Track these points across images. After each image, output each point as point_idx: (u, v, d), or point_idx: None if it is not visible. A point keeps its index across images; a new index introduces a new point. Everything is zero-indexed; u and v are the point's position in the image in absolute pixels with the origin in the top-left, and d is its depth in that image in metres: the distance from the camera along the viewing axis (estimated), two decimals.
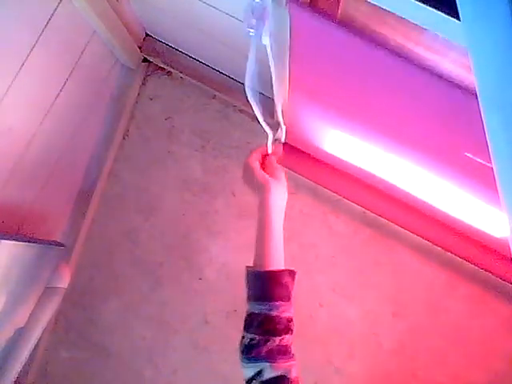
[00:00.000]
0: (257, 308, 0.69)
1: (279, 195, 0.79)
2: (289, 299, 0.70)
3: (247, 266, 0.75)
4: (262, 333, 0.67)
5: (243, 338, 0.70)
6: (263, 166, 0.85)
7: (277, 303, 0.68)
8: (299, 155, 1.30)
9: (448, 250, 1.30)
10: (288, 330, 0.68)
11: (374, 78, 0.65)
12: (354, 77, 0.69)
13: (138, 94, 1.45)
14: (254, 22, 0.57)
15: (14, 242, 1.02)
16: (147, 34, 1.38)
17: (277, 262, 0.73)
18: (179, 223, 1.44)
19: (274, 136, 0.88)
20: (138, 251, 1.45)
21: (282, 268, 0.73)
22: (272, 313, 0.67)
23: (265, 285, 0.69)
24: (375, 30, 0.62)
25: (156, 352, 1.46)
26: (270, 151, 0.88)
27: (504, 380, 1.33)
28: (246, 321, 0.71)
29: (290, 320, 0.69)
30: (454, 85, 0.55)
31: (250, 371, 0.67)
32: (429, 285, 1.36)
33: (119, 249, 1.46)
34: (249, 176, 0.81)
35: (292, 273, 0.73)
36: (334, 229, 1.39)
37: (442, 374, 1.36)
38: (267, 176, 0.80)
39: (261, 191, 0.77)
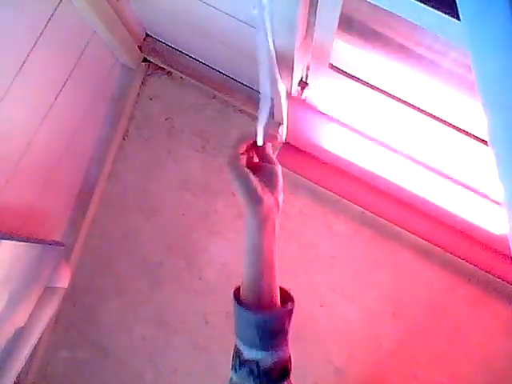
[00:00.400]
0: (248, 352, 0.57)
1: (276, 211, 0.61)
2: (286, 338, 0.59)
3: (235, 295, 0.60)
4: (256, 382, 0.57)
5: (231, 380, 0.60)
6: (253, 162, 0.65)
7: (274, 351, 0.57)
8: (299, 155, 1.30)
9: (448, 251, 1.30)
10: (286, 374, 0.59)
11: None
12: None
13: (138, 94, 1.45)
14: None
15: (14, 241, 1.02)
16: (147, 34, 1.38)
17: (274, 296, 0.59)
18: (179, 223, 1.44)
19: (266, 113, 0.62)
20: (138, 251, 1.45)
21: (278, 305, 0.59)
22: (267, 361, 0.56)
23: (260, 333, 0.56)
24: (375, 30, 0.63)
25: (156, 352, 1.46)
26: (261, 140, 0.64)
27: (504, 380, 1.33)
28: (234, 359, 0.60)
29: (287, 361, 0.59)
30: None
31: None
32: (429, 285, 1.36)
33: (119, 249, 1.46)
34: (235, 182, 0.59)
35: (291, 310, 0.60)
36: (333, 229, 1.39)
37: (442, 374, 1.36)
38: (259, 188, 0.59)
39: (253, 209, 0.58)
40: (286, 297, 0.62)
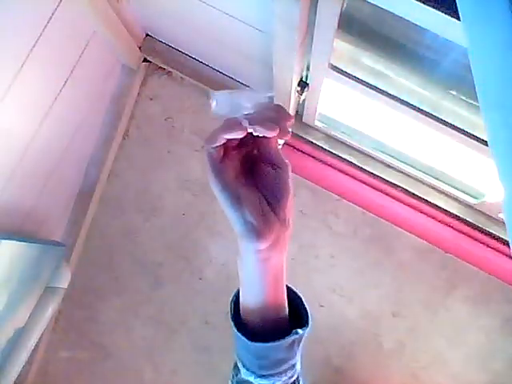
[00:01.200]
0: (246, 374, 0.48)
1: (284, 237, 0.43)
2: (294, 361, 0.47)
3: (231, 308, 0.49)
4: None
5: None
6: (251, 160, 0.44)
7: (276, 378, 0.47)
8: (298, 155, 1.30)
9: (448, 251, 1.30)
10: None
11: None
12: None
13: (138, 94, 1.45)
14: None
15: (14, 241, 1.02)
16: (147, 34, 1.38)
17: (281, 318, 0.47)
18: (179, 223, 1.44)
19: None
20: (138, 251, 1.45)
21: (287, 325, 0.46)
22: None
23: (260, 362, 0.46)
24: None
25: (156, 352, 1.45)
26: (272, 131, 0.39)
27: (504, 380, 1.33)
28: (232, 373, 0.51)
29: (295, 381, 0.49)
30: None
31: None
32: (429, 285, 1.36)
33: (119, 249, 1.46)
34: (222, 206, 0.44)
35: (302, 335, 0.47)
36: (334, 229, 1.39)
37: (442, 374, 1.36)
38: (258, 215, 0.41)
39: (249, 245, 0.42)
40: (301, 313, 0.48)
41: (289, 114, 0.41)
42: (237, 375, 0.49)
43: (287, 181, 0.42)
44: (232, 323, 0.47)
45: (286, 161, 0.42)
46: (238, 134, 0.39)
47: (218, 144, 0.39)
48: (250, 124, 0.39)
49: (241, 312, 0.48)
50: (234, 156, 0.42)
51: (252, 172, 0.43)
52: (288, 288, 0.48)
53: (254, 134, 0.39)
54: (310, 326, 0.47)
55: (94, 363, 1.47)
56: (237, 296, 0.49)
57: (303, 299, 0.49)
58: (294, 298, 0.49)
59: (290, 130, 0.41)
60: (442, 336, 1.36)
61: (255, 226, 0.40)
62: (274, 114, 0.40)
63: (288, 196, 0.42)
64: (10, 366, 1.15)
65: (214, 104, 0.41)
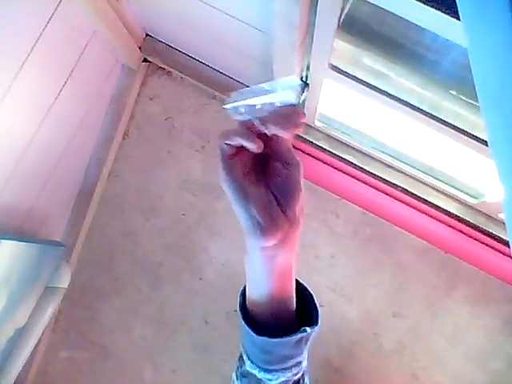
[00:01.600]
0: (251, 367, 0.48)
1: (293, 237, 0.42)
2: (300, 358, 0.48)
3: (242, 308, 0.47)
4: None
5: (234, 383, 0.52)
6: (263, 158, 0.43)
7: (280, 373, 0.47)
8: (298, 155, 1.30)
9: (448, 251, 1.30)
10: None
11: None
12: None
13: (138, 94, 1.45)
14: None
15: (14, 241, 1.02)
16: (147, 34, 1.38)
17: (289, 315, 0.47)
18: (179, 223, 1.44)
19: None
20: (138, 251, 1.45)
21: (295, 322, 0.47)
22: (277, 381, 0.47)
23: (265, 356, 0.46)
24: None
25: (156, 352, 1.45)
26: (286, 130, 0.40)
27: (504, 380, 1.33)
28: (237, 364, 0.51)
29: (298, 380, 0.50)
30: None
31: None
32: (429, 285, 1.36)
33: (119, 249, 1.46)
34: (231, 201, 0.42)
35: (309, 334, 0.48)
36: (333, 229, 1.39)
37: (442, 374, 1.36)
38: (265, 213, 0.40)
39: (256, 243, 0.41)
40: (311, 311, 0.49)
41: (301, 113, 0.41)
42: (241, 367, 0.49)
43: (298, 179, 0.42)
44: (240, 314, 0.46)
45: (298, 159, 0.42)
46: (252, 146, 0.39)
47: (230, 143, 0.40)
48: (263, 124, 0.39)
49: (247, 305, 0.47)
50: (245, 153, 0.41)
51: (263, 170, 0.43)
52: (301, 285, 0.48)
53: (269, 134, 0.40)
54: (319, 324, 0.47)
55: (94, 363, 1.47)
56: (246, 287, 0.48)
57: (315, 297, 0.49)
58: (305, 295, 0.49)
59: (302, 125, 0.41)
60: (441, 336, 1.36)
61: (261, 223, 0.40)
62: (286, 113, 0.40)
63: (298, 195, 0.41)
64: (9, 365, 1.15)
65: (230, 106, 0.41)
